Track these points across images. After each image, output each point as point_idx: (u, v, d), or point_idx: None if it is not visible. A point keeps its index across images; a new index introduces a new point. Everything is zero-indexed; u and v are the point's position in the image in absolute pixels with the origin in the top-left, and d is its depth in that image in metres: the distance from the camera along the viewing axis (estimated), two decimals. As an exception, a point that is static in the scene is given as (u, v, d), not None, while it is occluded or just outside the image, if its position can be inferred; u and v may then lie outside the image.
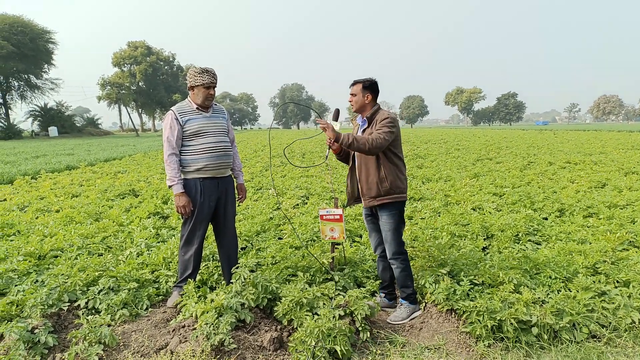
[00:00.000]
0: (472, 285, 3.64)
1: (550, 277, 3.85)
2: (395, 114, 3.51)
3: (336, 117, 3.66)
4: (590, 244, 4.78)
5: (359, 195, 3.68)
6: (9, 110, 55.04)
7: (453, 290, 3.51)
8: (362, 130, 3.56)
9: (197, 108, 3.66)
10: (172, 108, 3.68)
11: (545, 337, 3.02)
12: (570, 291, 3.51)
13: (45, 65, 56.54)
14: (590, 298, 3.34)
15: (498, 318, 3.06)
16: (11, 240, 5.40)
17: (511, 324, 3.02)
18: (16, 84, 55.77)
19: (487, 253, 4.75)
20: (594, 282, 3.68)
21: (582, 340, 3.04)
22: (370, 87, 3.50)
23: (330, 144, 3.58)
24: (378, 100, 3.62)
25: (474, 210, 6.93)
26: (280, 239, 5.49)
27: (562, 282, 3.80)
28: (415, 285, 3.75)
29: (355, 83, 3.52)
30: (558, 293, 3.49)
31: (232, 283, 3.45)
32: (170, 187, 3.59)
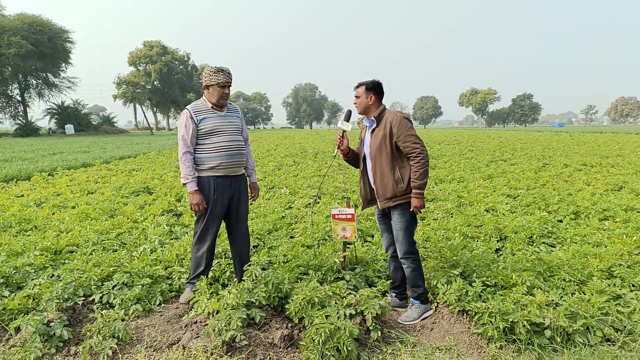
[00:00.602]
0: (485, 287, 3.62)
1: (564, 280, 3.80)
2: (406, 114, 3.50)
3: (348, 117, 3.67)
4: (606, 247, 4.72)
5: (372, 197, 3.69)
6: (27, 108, 56.07)
7: (465, 291, 3.49)
8: (370, 130, 3.55)
9: (212, 107, 3.69)
10: (187, 107, 3.72)
11: (558, 339, 2.99)
12: (585, 294, 3.47)
13: (63, 64, 57.45)
14: (605, 301, 3.29)
15: (510, 320, 3.03)
16: (28, 235, 5.50)
17: (524, 326, 2.99)
18: (34, 82, 56.76)
19: (500, 255, 4.71)
20: (609, 285, 3.63)
21: (595, 344, 3.00)
22: (374, 88, 3.50)
23: (339, 143, 3.59)
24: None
25: (487, 211, 6.88)
26: (292, 237, 5.51)
27: (577, 284, 3.76)
28: (427, 285, 3.74)
29: (359, 85, 3.54)
30: (572, 296, 3.46)
31: (244, 280, 3.48)
32: (184, 184, 3.63)
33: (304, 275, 4.02)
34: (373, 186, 3.58)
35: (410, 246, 3.51)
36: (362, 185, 3.74)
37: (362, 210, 4.00)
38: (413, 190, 3.36)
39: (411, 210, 3.44)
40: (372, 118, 3.51)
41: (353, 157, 3.78)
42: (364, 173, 3.69)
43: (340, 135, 3.65)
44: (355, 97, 3.55)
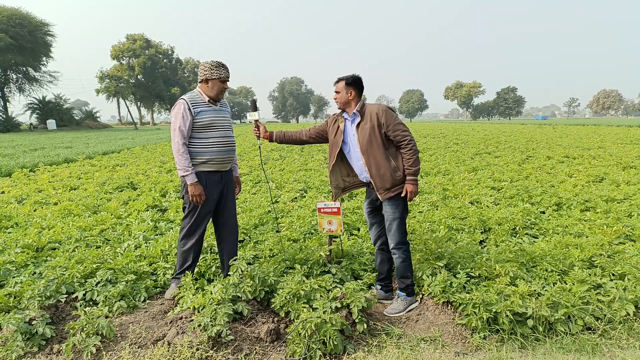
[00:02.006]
0: (469, 278, 3.66)
1: (546, 270, 3.87)
2: (390, 105, 3.52)
3: (254, 108, 3.82)
4: (587, 237, 4.80)
5: (346, 186, 3.79)
6: (7, 103, 54.85)
7: (450, 282, 3.52)
8: (355, 125, 3.54)
9: (208, 100, 3.65)
10: (183, 97, 3.62)
11: (541, 329, 3.04)
12: (566, 284, 3.53)
13: (44, 58, 56.27)
14: (586, 291, 3.35)
15: (494, 310, 3.08)
16: (9, 233, 5.40)
17: (507, 316, 3.04)
18: (14, 76, 55.49)
19: (484, 246, 4.76)
20: (590, 275, 3.69)
21: (577, 332, 3.06)
22: (354, 83, 3.51)
23: (257, 133, 3.79)
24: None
25: (471, 204, 6.95)
26: (278, 232, 5.50)
27: (558, 275, 3.82)
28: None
29: (338, 80, 3.55)
30: (554, 286, 3.51)
31: (229, 275, 3.46)
32: (183, 176, 3.55)
33: (290, 269, 4.02)
34: (370, 179, 3.56)
35: (402, 236, 3.54)
36: (333, 176, 3.79)
37: (333, 199, 3.97)
38: (407, 177, 3.44)
39: (403, 196, 3.48)
40: (355, 112, 3.51)
41: (281, 138, 3.92)
42: (337, 163, 3.72)
43: (255, 125, 3.80)
44: (335, 92, 3.56)
